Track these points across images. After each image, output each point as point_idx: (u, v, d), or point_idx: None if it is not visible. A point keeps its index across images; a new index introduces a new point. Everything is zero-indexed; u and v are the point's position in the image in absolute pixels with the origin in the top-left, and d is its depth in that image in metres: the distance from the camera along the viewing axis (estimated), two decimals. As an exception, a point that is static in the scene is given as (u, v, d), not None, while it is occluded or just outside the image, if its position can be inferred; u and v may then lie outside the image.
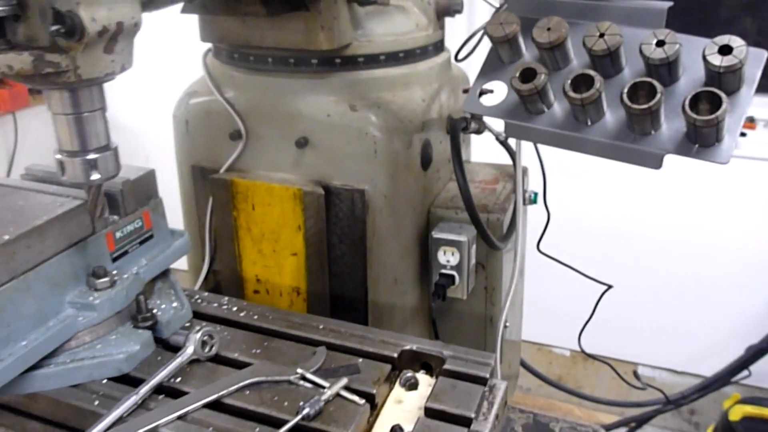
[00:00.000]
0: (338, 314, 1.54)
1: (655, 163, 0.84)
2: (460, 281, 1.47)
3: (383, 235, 1.43)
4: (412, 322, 1.55)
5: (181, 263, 1.63)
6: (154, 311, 1.13)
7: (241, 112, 1.44)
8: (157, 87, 1.55)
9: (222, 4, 1.21)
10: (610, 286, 1.99)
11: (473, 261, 1.49)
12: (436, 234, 1.46)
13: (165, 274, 1.25)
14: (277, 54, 1.38)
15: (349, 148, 1.37)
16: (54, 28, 0.78)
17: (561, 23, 0.88)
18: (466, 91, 1.21)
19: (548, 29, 0.88)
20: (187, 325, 1.16)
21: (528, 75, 0.88)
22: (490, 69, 0.98)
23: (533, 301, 2.56)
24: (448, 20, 1.59)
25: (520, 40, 0.95)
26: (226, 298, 1.25)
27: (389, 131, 1.36)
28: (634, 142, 0.84)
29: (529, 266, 1.96)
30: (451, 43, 1.65)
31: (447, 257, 1.46)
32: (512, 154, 1.59)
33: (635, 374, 2.38)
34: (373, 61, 1.40)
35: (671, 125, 0.84)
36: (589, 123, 0.88)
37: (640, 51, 0.82)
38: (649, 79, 0.80)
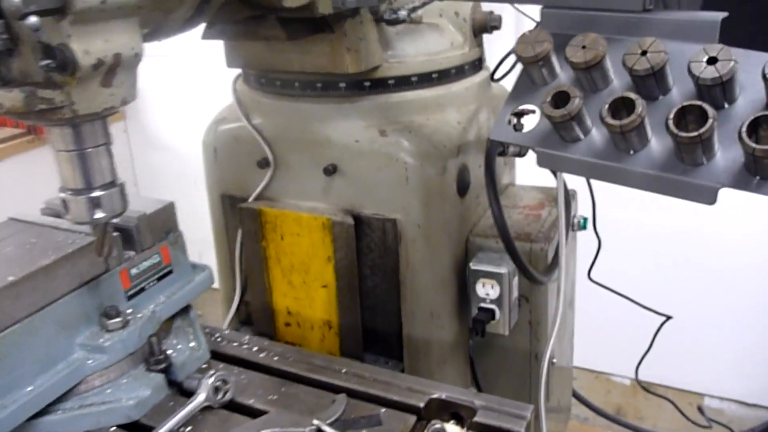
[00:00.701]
0: (372, 349, 1.46)
1: (709, 197, 0.73)
2: (501, 316, 1.37)
3: (417, 267, 1.35)
4: (450, 359, 1.45)
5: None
6: (170, 352, 1.07)
7: (268, 139, 1.39)
8: (211, 108, 1.51)
9: (242, 29, 1.16)
10: (669, 317, 1.85)
11: (515, 294, 1.39)
12: (475, 265, 1.36)
13: (185, 310, 1.19)
14: (304, 78, 1.32)
15: (380, 175, 1.30)
16: (44, 62, 0.74)
17: (598, 40, 0.78)
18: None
19: (583, 47, 0.79)
20: (204, 366, 1.10)
21: (561, 99, 0.79)
22: (522, 92, 0.89)
23: (588, 327, 2.42)
24: (491, 37, 1.50)
25: (554, 59, 0.85)
26: (248, 336, 1.18)
27: (421, 157, 1.28)
28: (684, 174, 0.74)
29: (582, 293, 1.84)
30: (494, 61, 1.56)
31: (486, 290, 1.36)
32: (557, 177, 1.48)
33: (699, 409, 2.21)
34: (404, 83, 1.32)
35: (727, 154, 0.73)
36: (632, 152, 0.77)
37: (689, 70, 0.72)
38: (698, 103, 0.70)
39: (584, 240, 1.69)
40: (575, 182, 1.54)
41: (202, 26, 1.24)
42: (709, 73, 0.70)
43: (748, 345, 2.69)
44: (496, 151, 1.26)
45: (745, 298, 2.63)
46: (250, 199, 1.43)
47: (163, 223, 1.16)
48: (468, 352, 1.47)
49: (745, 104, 0.74)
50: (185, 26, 0.94)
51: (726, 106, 0.74)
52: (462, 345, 1.48)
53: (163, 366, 1.04)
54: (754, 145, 0.66)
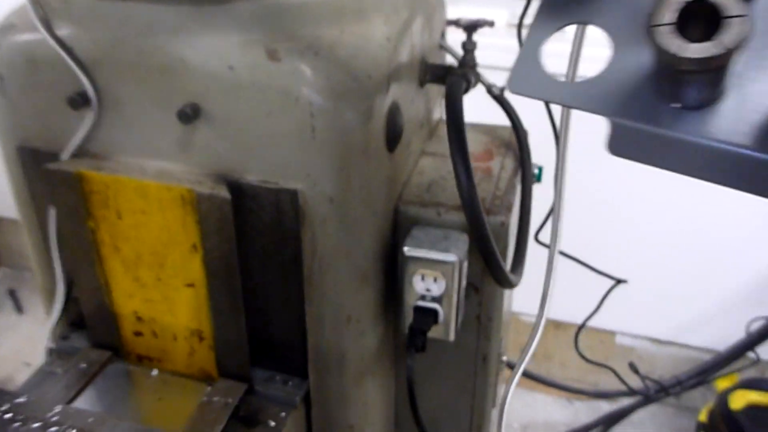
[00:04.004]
0: (264, 363, 1.04)
1: None
2: (445, 317, 0.98)
3: (329, 257, 0.91)
4: (371, 371, 1.06)
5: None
6: None
7: (85, 62, 0.87)
8: None
9: None
10: (619, 281, 1.55)
11: (464, 284, 1.00)
12: (411, 250, 0.94)
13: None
14: (139, -38, 0.80)
15: (270, 123, 0.83)
16: None
17: None
18: (453, 23, 0.69)
19: None
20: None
21: (693, 19, 0.36)
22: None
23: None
24: None
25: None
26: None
27: (336, 94, 0.82)
28: None
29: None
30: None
31: (426, 284, 0.95)
32: (514, 120, 1.08)
33: (632, 366, 1.98)
34: (304, -26, 0.84)
35: None
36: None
37: None
38: None
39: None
40: (527, 115, 1.15)
41: None
42: None
43: (664, 284, 2.51)
44: (461, 88, 0.82)
45: (666, 234, 2.41)
46: (63, 157, 0.92)
47: None
48: (394, 359, 1.09)
49: None
50: None
51: None
52: (387, 350, 1.09)
53: None
54: None
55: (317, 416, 1.07)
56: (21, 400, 0.68)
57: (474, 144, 1.18)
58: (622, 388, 2.21)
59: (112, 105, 0.88)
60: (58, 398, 0.96)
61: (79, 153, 0.92)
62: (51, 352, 1.11)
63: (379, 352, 1.05)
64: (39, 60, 0.89)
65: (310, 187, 0.85)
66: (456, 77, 0.84)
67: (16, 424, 0.64)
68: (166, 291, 0.97)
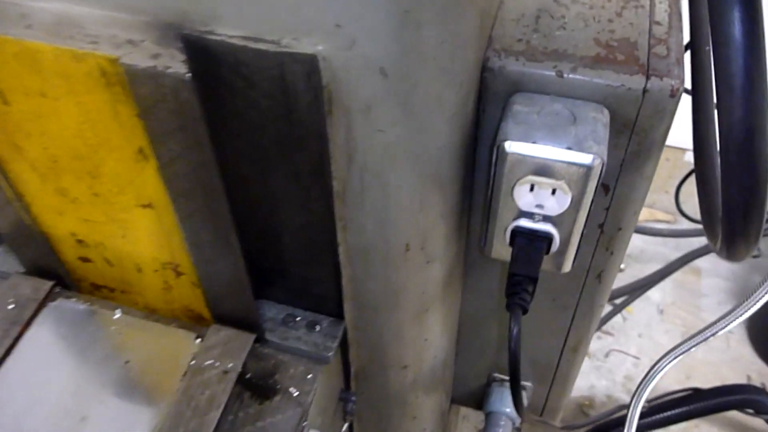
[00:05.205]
0: (276, 297, 0.70)
1: None
2: (561, 245, 0.61)
3: (378, 163, 0.52)
4: (438, 303, 0.72)
5: None
6: None
7: None
8: None
9: None
10: None
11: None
12: (515, 145, 0.54)
13: None
14: None
15: None
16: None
17: None
18: None
19: None
20: None
21: None
22: None
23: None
24: None
25: None
26: None
27: None
28: None
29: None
30: None
31: (538, 198, 0.57)
32: None
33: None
34: None
35: None
36: None
37: None
38: None
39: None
40: None
41: None
42: None
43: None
44: None
45: None
46: None
47: None
48: (465, 269, 0.74)
49: None
50: None
51: None
52: (458, 270, 0.74)
53: None
54: None
55: (357, 356, 0.76)
56: None
57: (598, -63, 0.72)
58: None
59: None
60: (-25, 366, 0.65)
61: None
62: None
63: (448, 279, 0.70)
64: None
65: (344, 50, 0.44)
66: None
67: None
68: (110, 211, 0.60)
